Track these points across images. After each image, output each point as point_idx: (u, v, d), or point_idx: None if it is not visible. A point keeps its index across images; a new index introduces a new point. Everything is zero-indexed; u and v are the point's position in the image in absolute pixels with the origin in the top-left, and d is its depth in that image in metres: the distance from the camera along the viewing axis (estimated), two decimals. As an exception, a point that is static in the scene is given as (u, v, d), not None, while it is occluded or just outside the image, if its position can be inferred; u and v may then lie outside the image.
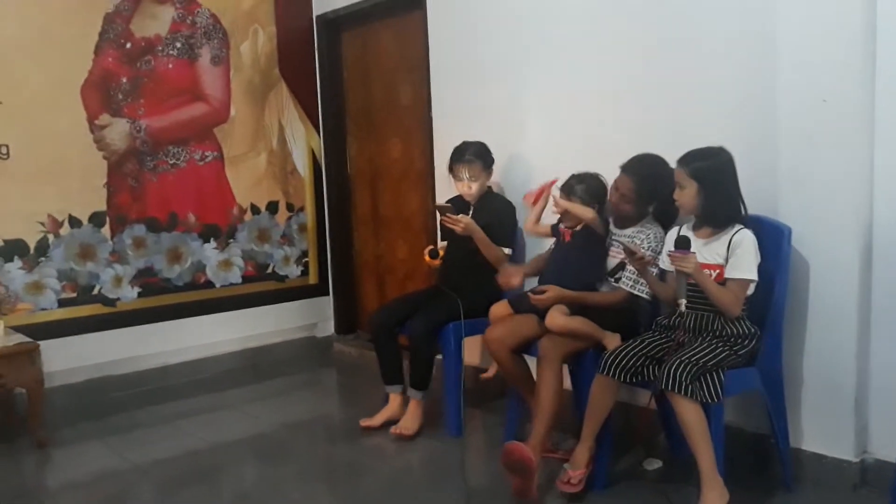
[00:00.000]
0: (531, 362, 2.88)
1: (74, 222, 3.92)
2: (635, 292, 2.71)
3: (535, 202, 3.07)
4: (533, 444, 2.58)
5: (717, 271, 2.42)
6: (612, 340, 2.64)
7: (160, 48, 4.17)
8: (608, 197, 2.85)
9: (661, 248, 2.68)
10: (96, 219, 4.00)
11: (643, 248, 2.64)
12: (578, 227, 2.87)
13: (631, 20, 3.07)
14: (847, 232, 2.47)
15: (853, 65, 2.42)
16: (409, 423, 3.25)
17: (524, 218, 3.19)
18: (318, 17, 4.77)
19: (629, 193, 2.72)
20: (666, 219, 2.77)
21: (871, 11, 2.42)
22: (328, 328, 4.97)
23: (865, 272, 2.50)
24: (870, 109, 2.46)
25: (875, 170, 2.48)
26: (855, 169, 2.45)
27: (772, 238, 2.50)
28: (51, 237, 3.86)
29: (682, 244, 2.39)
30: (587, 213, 2.78)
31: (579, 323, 2.68)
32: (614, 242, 2.84)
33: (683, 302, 2.37)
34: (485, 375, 3.48)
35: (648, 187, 2.70)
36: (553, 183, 3.02)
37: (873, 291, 2.52)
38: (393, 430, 3.23)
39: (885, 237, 2.48)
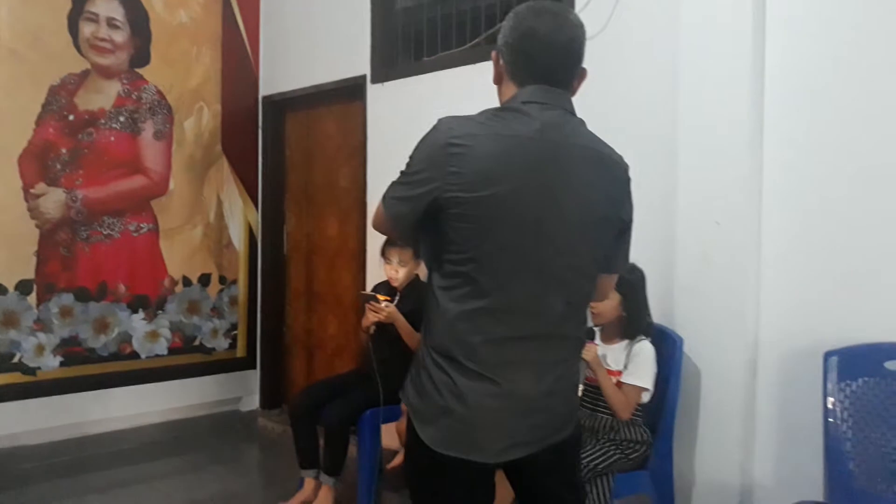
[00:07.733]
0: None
1: (-1, 289, 3.92)
2: None
3: None
4: None
5: (618, 378, 2.57)
6: None
7: (103, 121, 4.25)
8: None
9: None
10: (23, 286, 3.99)
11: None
12: None
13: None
14: (735, 344, 2.65)
15: (743, 191, 2.65)
16: None
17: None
18: (263, 97, 4.92)
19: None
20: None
21: (758, 153, 2.66)
22: (253, 402, 4.97)
23: (750, 384, 2.67)
24: (757, 232, 2.68)
25: (762, 287, 2.70)
26: (744, 285, 2.65)
27: (666, 346, 2.68)
28: (-27, 303, 3.84)
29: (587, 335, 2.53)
30: None
31: None
32: None
33: (580, 387, 2.50)
34: (392, 465, 3.40)
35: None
36: None
37: (757, 402, 2.68)
38: None
39: (770, 351, 2.67)
